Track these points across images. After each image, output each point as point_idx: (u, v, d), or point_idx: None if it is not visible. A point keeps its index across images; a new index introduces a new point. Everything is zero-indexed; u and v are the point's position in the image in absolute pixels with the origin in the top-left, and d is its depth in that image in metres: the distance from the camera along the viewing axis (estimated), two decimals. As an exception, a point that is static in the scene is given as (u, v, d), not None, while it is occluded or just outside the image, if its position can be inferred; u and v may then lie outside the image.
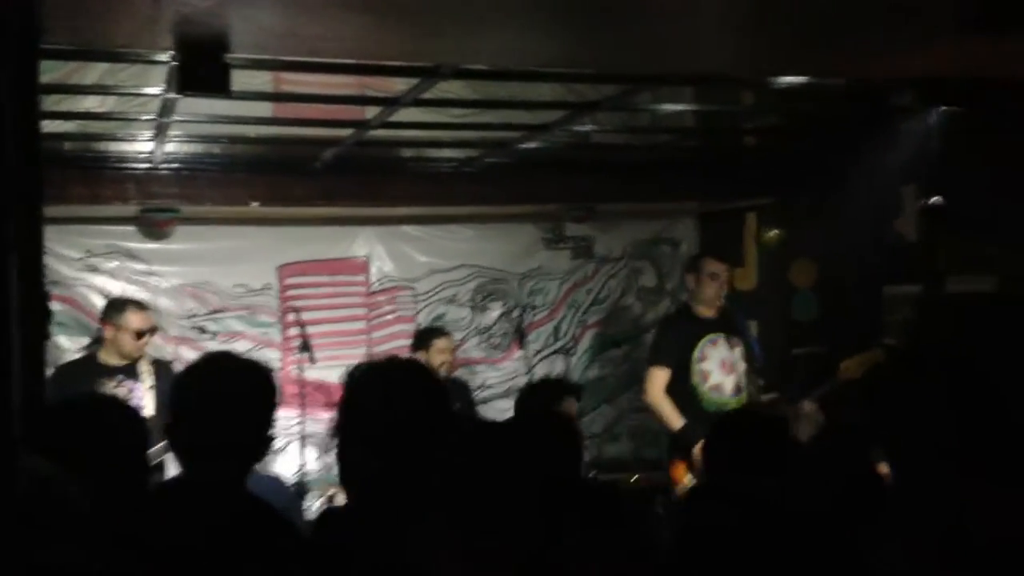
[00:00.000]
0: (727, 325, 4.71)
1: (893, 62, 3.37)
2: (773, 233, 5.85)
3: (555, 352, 6.36)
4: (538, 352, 6.26)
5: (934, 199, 4.39)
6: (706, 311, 4.70)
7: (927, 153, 4.41)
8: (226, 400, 1.94)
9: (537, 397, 4.10)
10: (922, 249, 4.87)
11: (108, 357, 4.45)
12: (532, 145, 4.84)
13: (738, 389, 4.67)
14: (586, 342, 6.45)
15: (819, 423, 4.37)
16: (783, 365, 5.50)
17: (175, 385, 2.08)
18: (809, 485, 2.45)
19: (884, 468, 3.04)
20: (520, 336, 5.92)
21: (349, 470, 1.81)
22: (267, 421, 2.00)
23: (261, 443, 2.00)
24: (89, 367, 4.46)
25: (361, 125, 4.22)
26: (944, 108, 3.86)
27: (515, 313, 6.21)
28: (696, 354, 4.61)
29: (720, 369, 4.65)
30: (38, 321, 1.99)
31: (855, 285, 5.25)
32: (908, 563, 1.51)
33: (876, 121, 4.60)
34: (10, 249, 1.51)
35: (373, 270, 5.98)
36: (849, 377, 4.09)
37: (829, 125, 4.74)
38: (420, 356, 5.06)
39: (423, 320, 6.02)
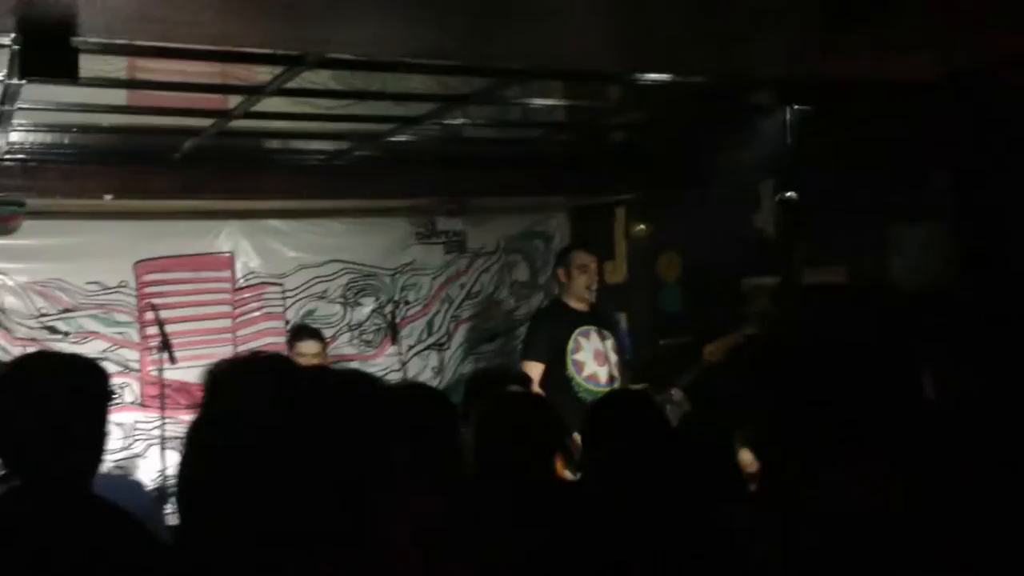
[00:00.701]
0: (598, 317, 4.82)
1: (750, 61, 3.50)
2: (640, 227, 6.00)
3: (428, 347, 6.34)
4: (411, 348, 6.21)
5: (789, 194, 4.59)
6: (577, 303, 4.79)
7: (783, 149, 4.61)
8: (44, 401, 1.83)
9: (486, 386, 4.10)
10: (779, 242, 5.09)
11: (-52, 360, 4.14)
12: (403, 138, 4.79)
13: (612, 379, 4.78)
14: (460, 337, 6.45)
15: (686, 410, 4.52)
16: (652, 355, 5.66)
17: None
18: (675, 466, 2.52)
19: (745, 455, 3.17)
20: (393, 332, 5.86)
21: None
22: (95, 419, 1.90)
23: (92, 443, 1.90)
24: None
25: (223, 115, 4.07)
26: (797, 106, 4.04)
27: (387, 308, 6.14)
28: (570, 345, 4.70)
29: (594, 360, 4.74)
30: None
31: (718, 277, 5.44)
32: (764, 538, 1.56)
33: (736, 118, 4.77)
34: None
35: (239, 266, 5.79)
36: (713, 362, 4.25)
37: (692, 122, 4.89)
38: (287, 356, 4.94)
39: (292, 317, 5.88)
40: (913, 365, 1.65)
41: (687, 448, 2.68)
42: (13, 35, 2.57)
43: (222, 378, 1.86)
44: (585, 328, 4.76)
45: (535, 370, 4.65)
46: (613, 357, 4.80)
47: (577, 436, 4.37)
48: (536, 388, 4.63)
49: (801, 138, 4.31)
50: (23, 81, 2.83)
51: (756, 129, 4.79)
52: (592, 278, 4.79)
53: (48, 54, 2.42)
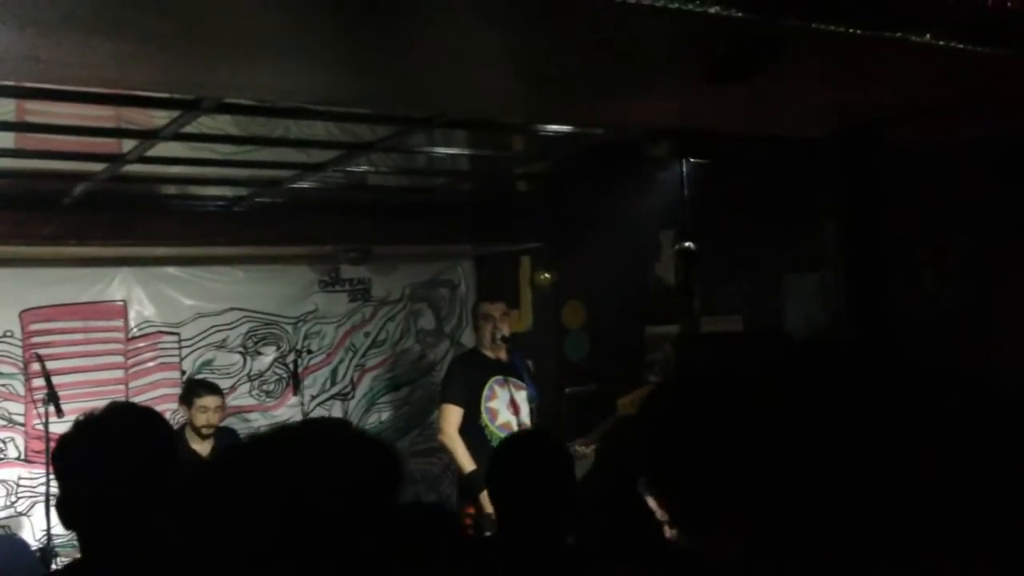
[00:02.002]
0: (512, 367, 4.83)
1: (645, 113, 3.60)
2: (544, 276, 6.06)
3: (332, 397, 6.22)
4: (314, 398, 6.08)
5: (686, 244, 4.71)
6: (490, 353, 4.80)
7: (680, 200, 4.74)
8: None
9: None
10: (678, 291, 5.21)
11: None
12: (305, 185, 4.74)
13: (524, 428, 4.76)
14: (365, 386, 6.35)
15: (591, 462, 4.54)
16: (557, 403, 5.68)
17: None
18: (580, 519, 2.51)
19: (652, 503, 3.19)
20: (295, 382, 5.73)
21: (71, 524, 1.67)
22: None
23: None
24: None
25: (116, 159, 3.95)
26: (693, 159, 4.17)
27: (290, 358, 6.00)
28: (484, 392, 4.69)
29: (507, 408, 4.73)
30: None
31: (620, 325, 5.53)
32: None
33: (635, 170, 4.90)
34: None
35: (132, 314, 5.59)
36: (626, 414, 4.29)
37: (593, 173, 4.99)
38: (184, 411, 4.77)
39: (189, 367, 5.69)
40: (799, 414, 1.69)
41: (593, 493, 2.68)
42: None
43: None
44: (499, 377, 4.77)
45: (454, 413, 4.63)
46: (525, 407, 4.81)
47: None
48: (453, 432, 4.60)
49: (697, 189, 4.44)
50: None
51: (655, 180, 4.92)
52: (496, 327, 4.79)
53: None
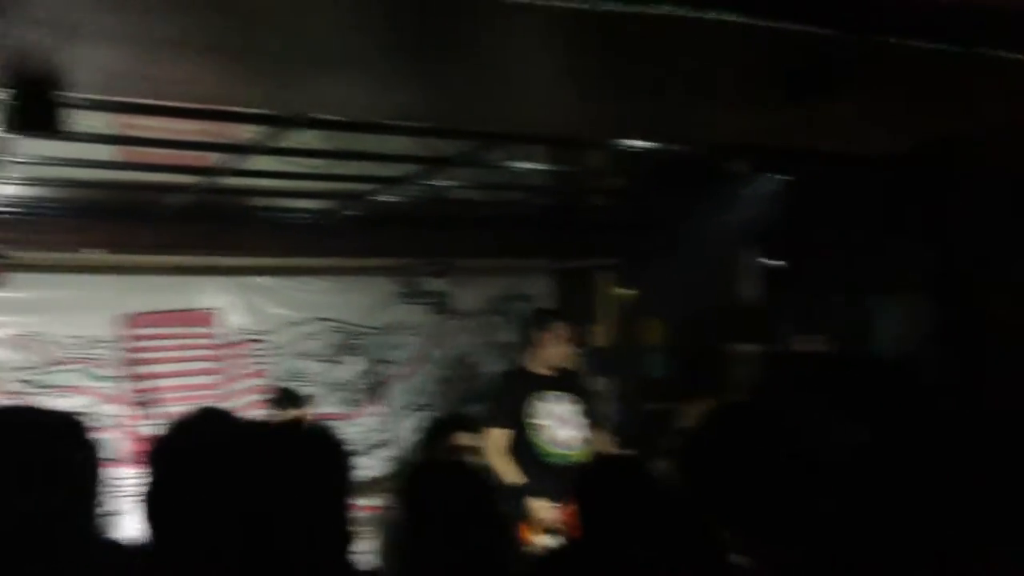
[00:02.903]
0: (566, 383, 4.73)
1: (730, 130, 3.58)
2: (623, 292, 6.05)
3: (417, 408, 6.31)
4: (401, 408, 6.19)
5: (773, 261, 4.63)
6: (542, 368, 4.71)
7: (766, 217, 4.67)
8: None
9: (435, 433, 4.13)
10: (763, 310, 5.13)
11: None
12: (387, 198, 4.85)
13: (578, 442, 4.66)
14: (443, 398, 6.43)
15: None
16: (635, 421, 5.65)
17: None
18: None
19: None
20: (377, 391, 5.84)
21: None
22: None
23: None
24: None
25: (207, 172, 4.13)
26: (778, 175, 4.12)
27: (372, 368, 6.14)
28: (528, 410, 4.61)
29: (557, 422, 4.64)
30: None
31: (701, 343, 5.47)
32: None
33: (717, 186, 4.86)
34: None
35: (224, 323, 5.80)
36: (688, 425, 4.22)
37: (674, 188, 4.96)
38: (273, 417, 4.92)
39: (276, 374, 5.86)
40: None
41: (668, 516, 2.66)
42: (1, 88, 2.63)
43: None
44: (545, 392, 4.67)
45: (498, 438, 4.56)
46: (582, 421, 4.70)
47: (536, 503, 4.34)
48: (494, 454, 4.53)
49: (783, 206, 4.38)
50: (10, 135, 2.88)
51: (739, 196, 4.87)
52: (563, 344, 4.72)
53: (34, 108, 2.47)
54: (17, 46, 2.27)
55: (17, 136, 2.92)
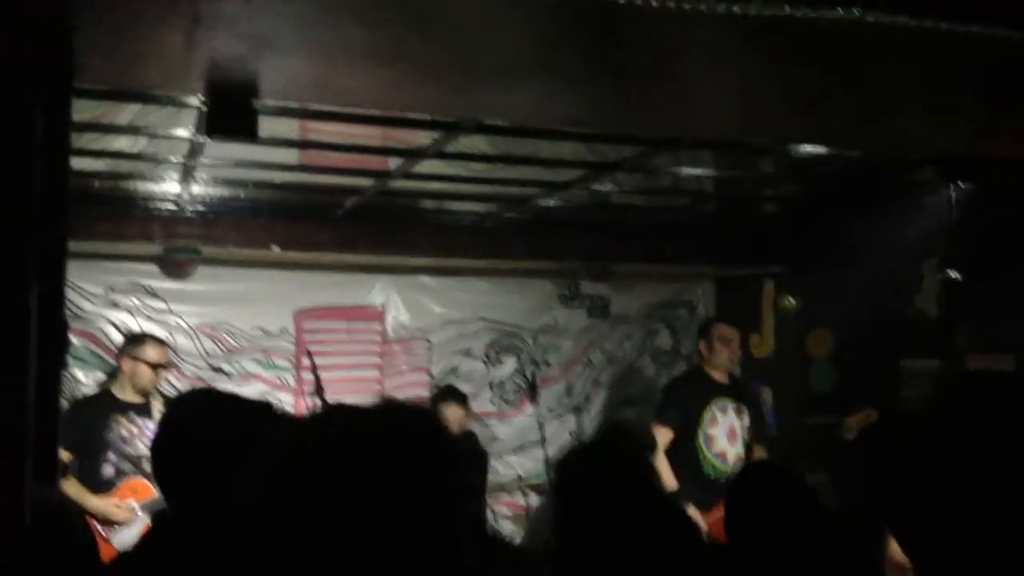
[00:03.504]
0: (737, 392, 4.69)
1: (912, 139, 3.40)
2: (790, 301, 5.85)
3: (567, 410, 6.34)
4: (551, 409, 6.24)
5: (954, 274, 4.38)
6: (717, 375, 4.69)
7: (947, 228, 4.41)
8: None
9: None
10: (941, 324, 4.84)
11: (122, 392, 4.48)
12: (551, 202, 4.89)
13: (740, 459, 4.61)
14: (598, 402, 6.42)
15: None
16: (797, 434, 5.46)
17: None
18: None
19: (895, 545, 3.00)
20: (532, 392, 5.91)
21: None
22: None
23: None
24: (103, 403, 4.49)
25: (382, 175, 4.28)
26: (963, 185, 3.87)
27: (528, 369, 6.21)
28: (706, 416, 4.59)
29: (726, 436, 4.61)
30: (57, 351, 2.02)
31: (872, 357, 5.22)
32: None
33: (892, 195, 4.62)
34: (32, 280, 1.54)
35: (388, 319, 6.01)
36: (850, 438, 4.06)
37: (845, 197, 4.76)
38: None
39: (437, 372, 6.02)
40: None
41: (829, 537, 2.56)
42: (201, 96, 2.83)
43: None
44: (723, 402, 4.64)
45: (664, 435, 4.57)
46: (744, 436, 4.63)
47: (690, 508, 4.27)
48: (658, 453, 4.54)
49: (966, 217, 4.12)
50: (207, 139, 3.09)
51: (916, 206, 4.62)
52: (734, 352, 4.68)
53: (231, 115, 2.64)
54: (217, 57, 2.43)
55: (211, 140, 3.13)
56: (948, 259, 4.48)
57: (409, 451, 1.30)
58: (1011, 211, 4.24)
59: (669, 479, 4.47)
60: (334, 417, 1.38)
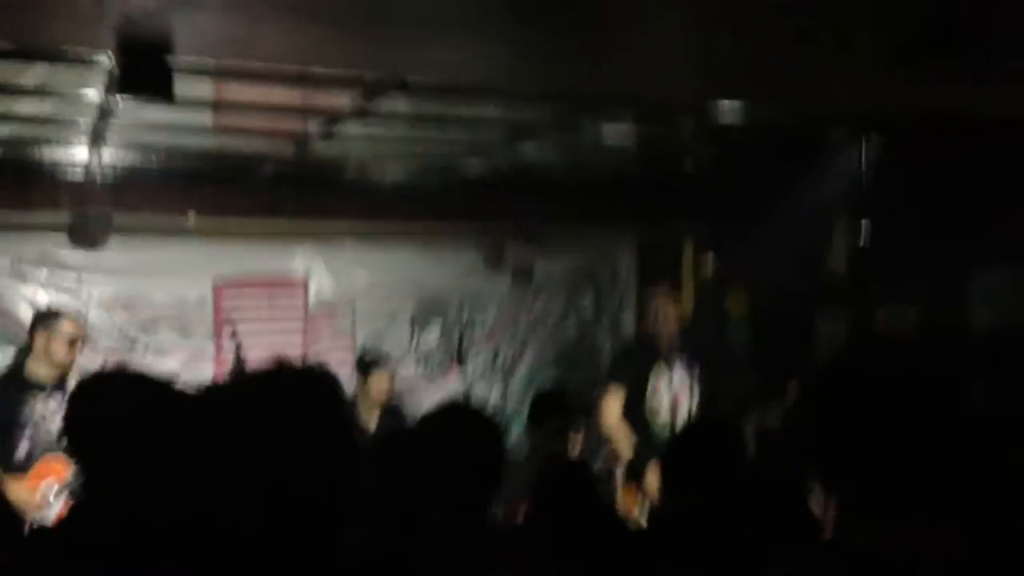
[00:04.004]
0: (678, 353, 4.76)
1: (825, 95, 3.49)
2: (708, 263, 5.97)
3: (493, 374, 6.37)
4: (479, 375, 6.26)
5: (861, 231, 4.52)
6: (661, 340, 4.74)
7: (858, 186, 4.55)
8: None
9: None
10: (852, 279, 5.01)
11: (37, 369, 4.32)
12: (475, 162, 4.87)
13: (688, 414, 4.69)
14: (525, 365, 6.46)
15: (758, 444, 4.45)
16: (721, 391, 5.59)
17: None
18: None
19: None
20: (459, 357, 5.91)
21: None
22: None
23: None
24: (15, 380, 4.32)
25: (303, 138, 4.20)
26: (873, 142, 3.99)
27: (455, 334, 6.20)
28: (651, 380, 4.65)
29: (670, 397, 4.68)
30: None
31: (787, 313, 5.38)
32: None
33: (809, 153, 4.74)
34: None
35: (312, 286, 5.92)
36: (791, 401, 4.18)
37: (764, 155, 4.87)
38: (357, 382, 5.02)
39: (361, 340, 5.97)
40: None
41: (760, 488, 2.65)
42: (111, 53, 2.71)
43: None
44: (666, 365, 4.71)
45: (618, 401, 4.62)
46: (690, 397, 4.73)
47: (652, 472, 4.36)
48: (615, 417, 4.60)
49: (877, 174, 4.26)
50: (119, 98, 2.98)
51: (828, 166, 4.74)
52: (663, 315, 4.74)
53: (144, 71, 2.54)
54: (128, 11, 2.34)
55: (123, 100, 3.01)
56: (859, 215, 4.63)
57: (301, 415, 1.31)
58: (919, 167, 4.39)
59: (624, 443, 4.54)
60: (226, 387, 1.38)
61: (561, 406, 4.16)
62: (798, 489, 3.01)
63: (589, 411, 4.55)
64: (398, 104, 3.86)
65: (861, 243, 4.85)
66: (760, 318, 5.76)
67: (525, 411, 5.44)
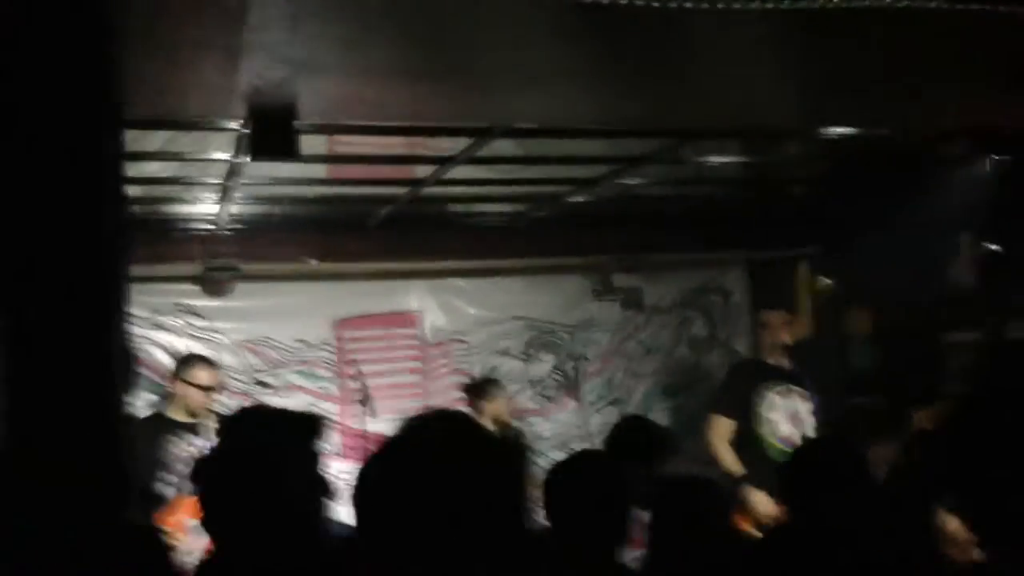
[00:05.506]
0: (794, 377, 4.67)
1: (941, 115, 3.40)
2: (824, 281, 5.83)
3: (609, 404, 6.37)
4: (591, 403, 6.27)
5: (990, 245, 4.37)
6: (772, 360, 4.68)
7: (982, 201, 4.40)
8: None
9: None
10: (980, 296, 4.83)
11: (175, 414, 4.57)
12: (580, 199, 4.92)
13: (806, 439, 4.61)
14: (639, 393, 6.45)
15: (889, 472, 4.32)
16: (840, 416, 5.44)
17: None
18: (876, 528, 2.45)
19: (952, 522, 3.01)
20: (574, 388, 5.93)
21: None
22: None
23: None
24: (157, 424, 4.58)
25: (414, 183, 4.34)
26: (996, 157, 3.86)
27: (567, 364, 6.24)
28: (763, 403, 4.58)
29: (787, 420, 4.59)
30: (125, 380, 2.09)
31: (912, 333, 5.20)
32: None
33: (924, 170, 4.61)
34: (111, 317, 1.60)
35: (426, 323, 6.06)
36: (922, 428, 4.05)
37: (876, 174, 4.75)
38: (472, 411, 5.13)
39: (476, 373, 6.07)
40: None
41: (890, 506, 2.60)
42: (241, 120, 2.89)
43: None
44: (780, 386, 4.62)
45: (721, 426, 4.57)
46: (809, 420, 4.62)
47: (758, 496, 4.29)
48: (718, 442, 4.55)
49: (1002, 188, 4.12)
50: (247, 160, 3.17)
51: (949, 181, 4.60)
52: (775, 335, 4.67)
53: (273, 136, 2.70)
54: (257, 83, 2.49)
55: (251, 161, 3.19)
56: (984, 230, 4.47)
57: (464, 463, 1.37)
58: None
59: (734, 465, 4.47)
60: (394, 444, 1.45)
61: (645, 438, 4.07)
62: (925, 513, 2.93)
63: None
64: (503, 146, 3.96)
65: (988, 258, 4.68)
66: (883, 337, 5.59)
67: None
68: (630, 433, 4.04)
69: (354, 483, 1.43)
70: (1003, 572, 1.48)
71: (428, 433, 1.52)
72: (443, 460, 1.37)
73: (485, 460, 1.41)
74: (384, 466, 1.40)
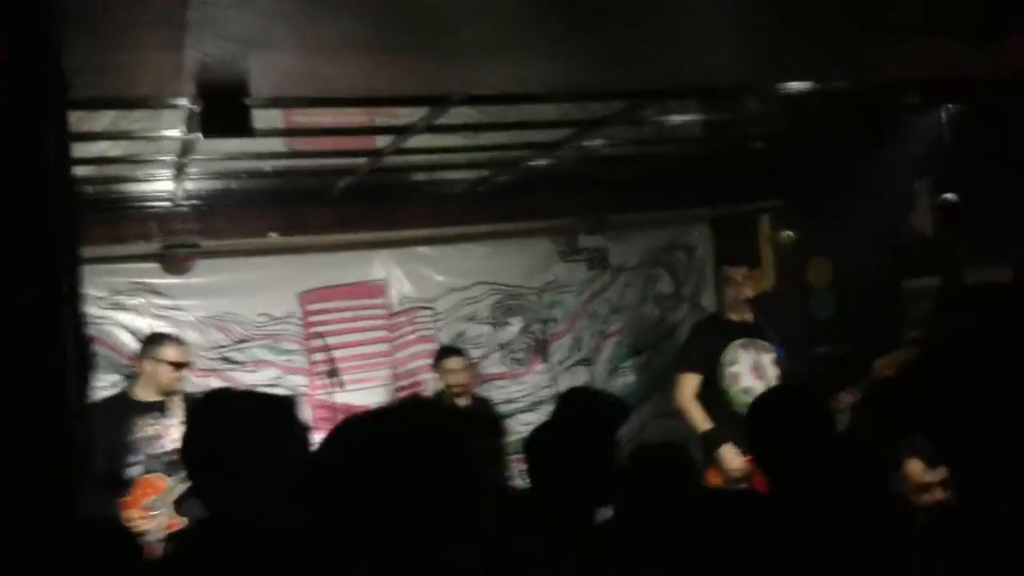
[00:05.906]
0: (755, 329, 4.75)
1: (899, 66, 3.42)
2: (786, 234, 5.89)
3: (577, 363, 6.41)
4: (560, 363, 6.31)
5: (948, 194, 4.42)
6: (734, 316, 4.75)
7: (938, 149, 4.45)
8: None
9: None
10: (938, 243, 4.89)
11: (143, 393, 4.52)
12: (542, 162, 4.90)
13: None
14: (607, 352, 6.49)
15: (849, 420, 4.40)
16: (805, 365, 5.53)
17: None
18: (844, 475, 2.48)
19: (914, 466, 3.08)
20: (542, 349, 5.97)
21: None
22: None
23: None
24: (122, 404, 4.54)
25: (374, 154, 4.29)
26: (953, 107, 3.89)
27: (535, 327, 6.26)
28: (726, 357, 4.66)
29: (750, 373, 4.67)
30: (83, 363, 2.05)
31: (872, 281, 5.28)
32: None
33: (884, 120, 4.64)
34: (63, 302, 1.57)
35: (392, 292, 6.04)
36: (883, 376, 4.13)
37: (834, 127, 4.78)
38: (436, 376, 5.16)
39: (444, 339, 6.08)
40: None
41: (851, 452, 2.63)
42: (191, 97, 2.83)
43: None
44: (743, 340, 4.71)
45: (690, 381, 4.65)
46: (772, 371, 4.71)
47: (726, 449, 4.36)
48: (688, 399, 4.62)
49: (958, 136, 4.16)
50: (199, 137, 3.10)
51: (905, 130, 4.64)
52: (738, 290, 4.74)
53: (225, 113, 2.65)
54: (207, 60, 2.44)
55: (204, 138, 3.13)
56: (941, 178, 4.53)
57: (430, 452, 1.38)
58: (999, 128, 4.27)
59: (702, 421, 4.55)
60: (354, 429, 1.44)
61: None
62: (888, 457, 2.99)
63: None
64: (463, 113, 3.92)
65: (945, 205, 4.74)
66: (845, 287, 5.66)
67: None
68: (580, 408, 4.12)
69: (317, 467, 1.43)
70: (965, 511, 1.52)
71: (386, 424, 1.52)
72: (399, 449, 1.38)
73: (439, 446, 1.42)
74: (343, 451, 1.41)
